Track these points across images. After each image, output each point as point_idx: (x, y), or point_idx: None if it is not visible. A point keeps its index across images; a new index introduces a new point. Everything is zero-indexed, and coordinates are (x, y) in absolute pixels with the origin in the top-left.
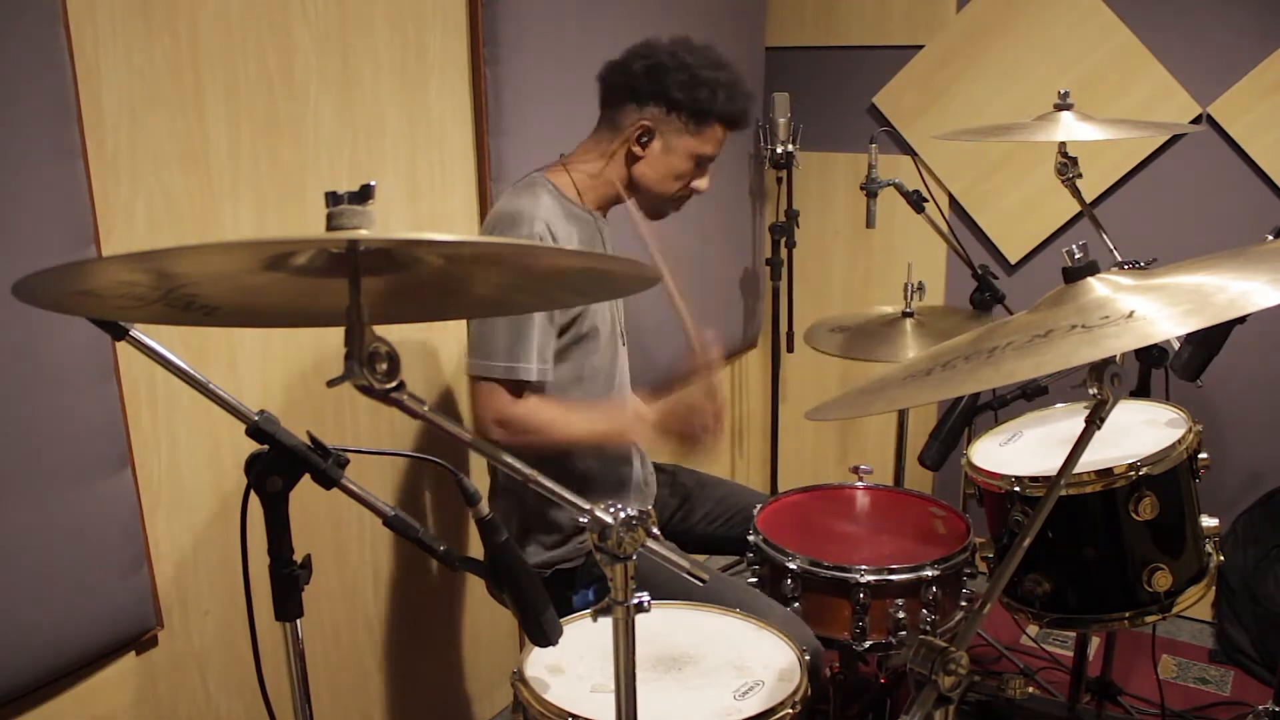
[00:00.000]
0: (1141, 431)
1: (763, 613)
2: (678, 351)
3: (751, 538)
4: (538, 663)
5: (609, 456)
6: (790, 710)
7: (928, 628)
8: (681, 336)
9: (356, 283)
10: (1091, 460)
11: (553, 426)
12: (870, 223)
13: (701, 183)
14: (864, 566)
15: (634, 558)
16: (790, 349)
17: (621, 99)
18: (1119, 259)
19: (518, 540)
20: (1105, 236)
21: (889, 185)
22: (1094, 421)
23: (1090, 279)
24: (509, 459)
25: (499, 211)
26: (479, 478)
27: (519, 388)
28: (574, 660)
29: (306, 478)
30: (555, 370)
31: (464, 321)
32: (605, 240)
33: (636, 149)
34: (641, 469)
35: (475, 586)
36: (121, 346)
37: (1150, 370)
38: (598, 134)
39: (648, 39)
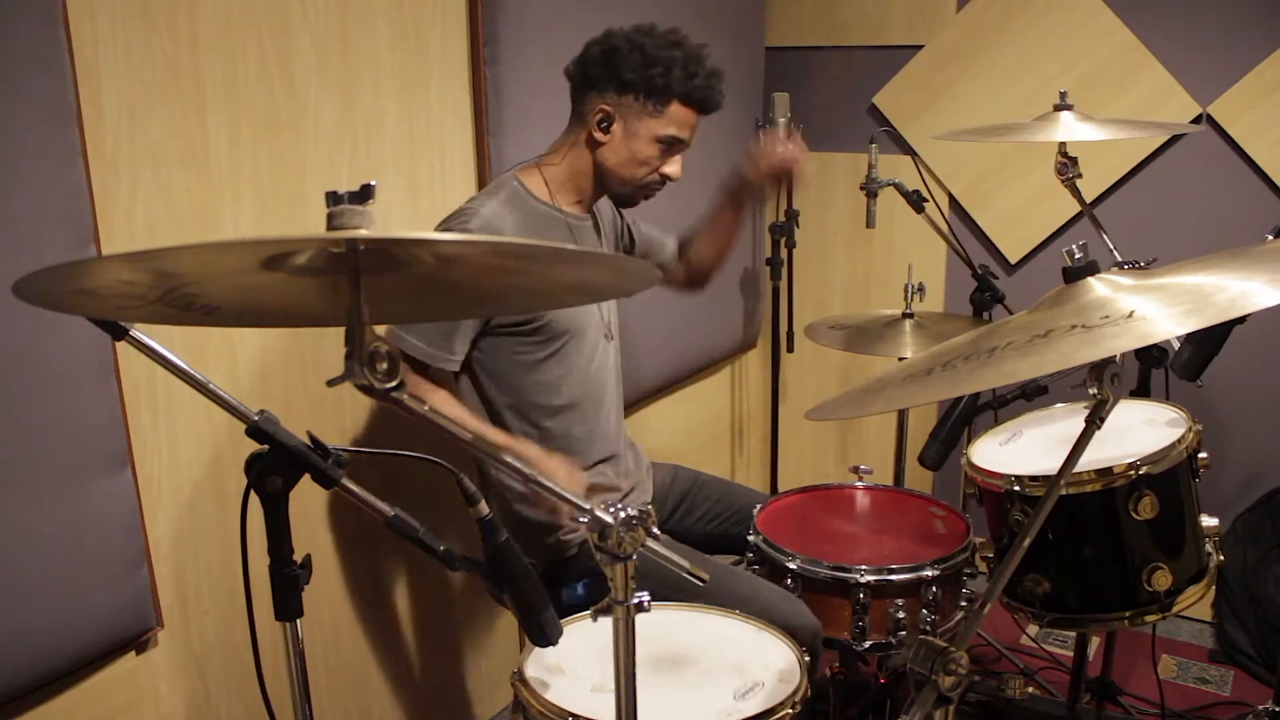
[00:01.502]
0: (1141, 431)
1: (759, 592)
2: (671, 351)
3: (751, 538)
4: (538, 663)
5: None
6: (790, 710)
7: (928, 628)
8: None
9: (356, 282)
10: (1091, 460)
11: (420, 405)
12: (870, 223)
13: (672, 168)
14: (864, 566)
15: (634, 557)
16: (790, 349)
17: (583, 88)
18: (1119, 259)
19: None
20: (1105, 236)
21: (889, 185)
22: (1094, 421)
23: (1090, 279)
24: (509, 459)
25: (457, 208)
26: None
27: (419, 365)
28: (574, 660)
29: (306, 478)
30: (534, 371)
31: None
32: (583, 240)
33: (598, 134)
34: (634, 469)
35: (475, 586)
36: (121, 346)
37: (1150, 370)
38: (567, 128)
39: (608, 28)
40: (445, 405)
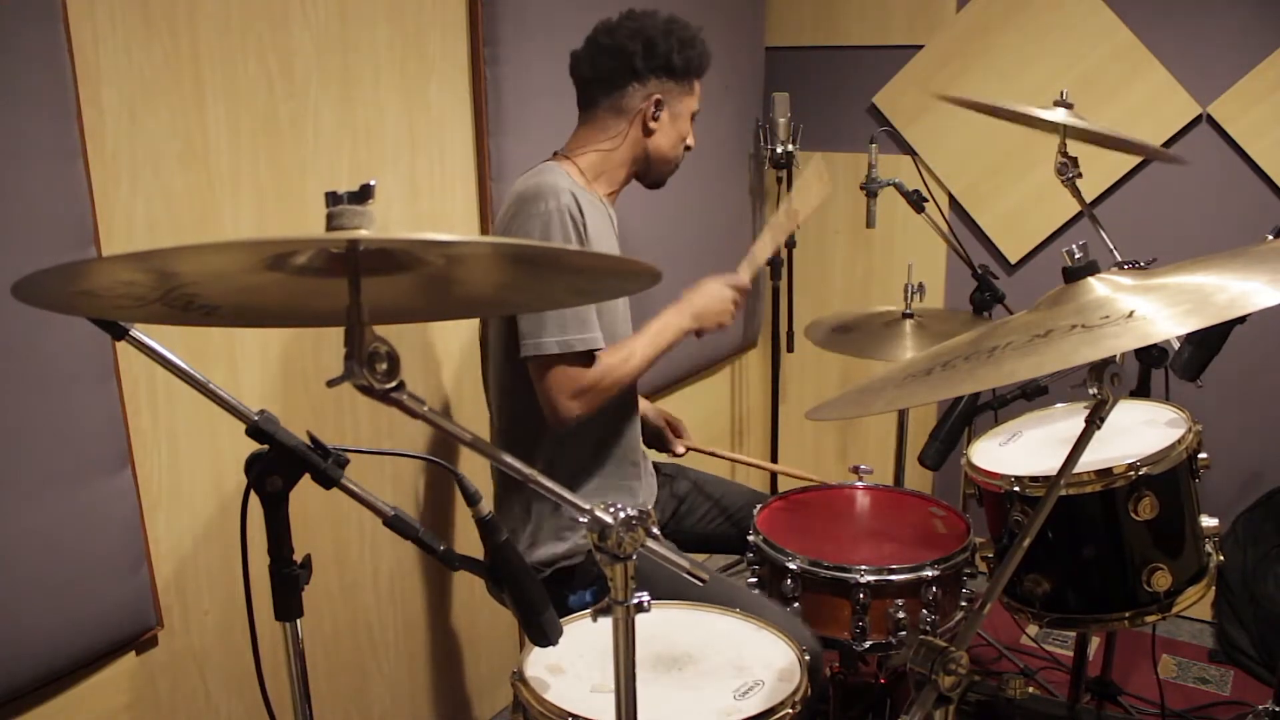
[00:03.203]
0: (1141, 431)
1: (762, 614)
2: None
3: (751, 538)
4: (538, 663)
5: (614, 458)
6: (790, 710)
7: (928, 628)
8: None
9: (356, 283)
10: (1091, 460)
11: (621, 369)
12: (870, 223)
13: (691, 139)
14: (864, 566)
15: (634, 558)
16: (790, 349)
17: (622, 81)
18: (1119, 259)
19: (522, 537)
20: (1105, 236)
21: (889, 185)
22: (1094, 421)
23: (1090, 279)
24: (509, 459)
25: (518, 191)
26: (483, 478)
27: (589, 357)
28: (574, 660)
29: (306, 478)
30: None
31: (463, 321)
32: (615, 228)
33: (652, 124)
34: (644, 469)
35: (475, 586)
36: (121, 346)
37: (1150, 370)
38: (598, 123)
39: (604, 23)
40: (621, 353)
